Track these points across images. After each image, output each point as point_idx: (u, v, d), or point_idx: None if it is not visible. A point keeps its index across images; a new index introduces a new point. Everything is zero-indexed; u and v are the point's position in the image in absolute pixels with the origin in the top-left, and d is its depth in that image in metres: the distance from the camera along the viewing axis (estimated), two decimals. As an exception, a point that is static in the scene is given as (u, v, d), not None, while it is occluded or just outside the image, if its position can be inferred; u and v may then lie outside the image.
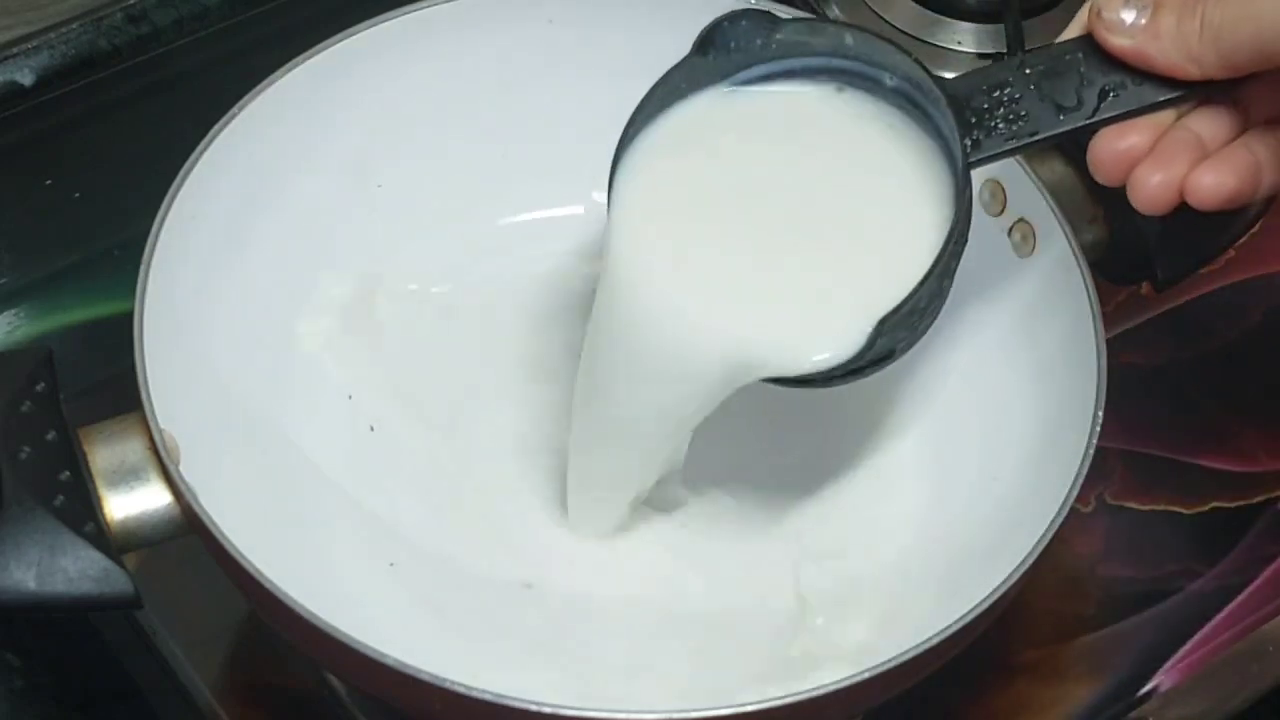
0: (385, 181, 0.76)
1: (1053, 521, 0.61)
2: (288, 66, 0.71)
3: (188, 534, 0.62)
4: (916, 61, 0.62)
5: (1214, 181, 0.59)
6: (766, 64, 0.64)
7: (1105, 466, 0.78)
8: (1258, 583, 0.76)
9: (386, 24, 0.73)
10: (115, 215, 0.84)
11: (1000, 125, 0.61)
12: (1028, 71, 0.61)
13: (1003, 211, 0.72)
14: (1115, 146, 0.60)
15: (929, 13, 0.91)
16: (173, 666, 0.71)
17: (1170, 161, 0.60)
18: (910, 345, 0.63)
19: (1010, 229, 0.72)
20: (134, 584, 0.59)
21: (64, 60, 0.86)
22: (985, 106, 0.61)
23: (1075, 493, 0.62)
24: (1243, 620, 0.74)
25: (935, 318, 0.63)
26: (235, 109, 0.70)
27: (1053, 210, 0.70)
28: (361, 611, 0.63)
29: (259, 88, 0.70)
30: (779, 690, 0.57)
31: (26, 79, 0.85)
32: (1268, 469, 0.79)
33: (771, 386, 0.63)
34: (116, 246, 0.82)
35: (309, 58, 0.72)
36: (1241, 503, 0.78)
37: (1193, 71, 0.59)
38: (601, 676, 0.66)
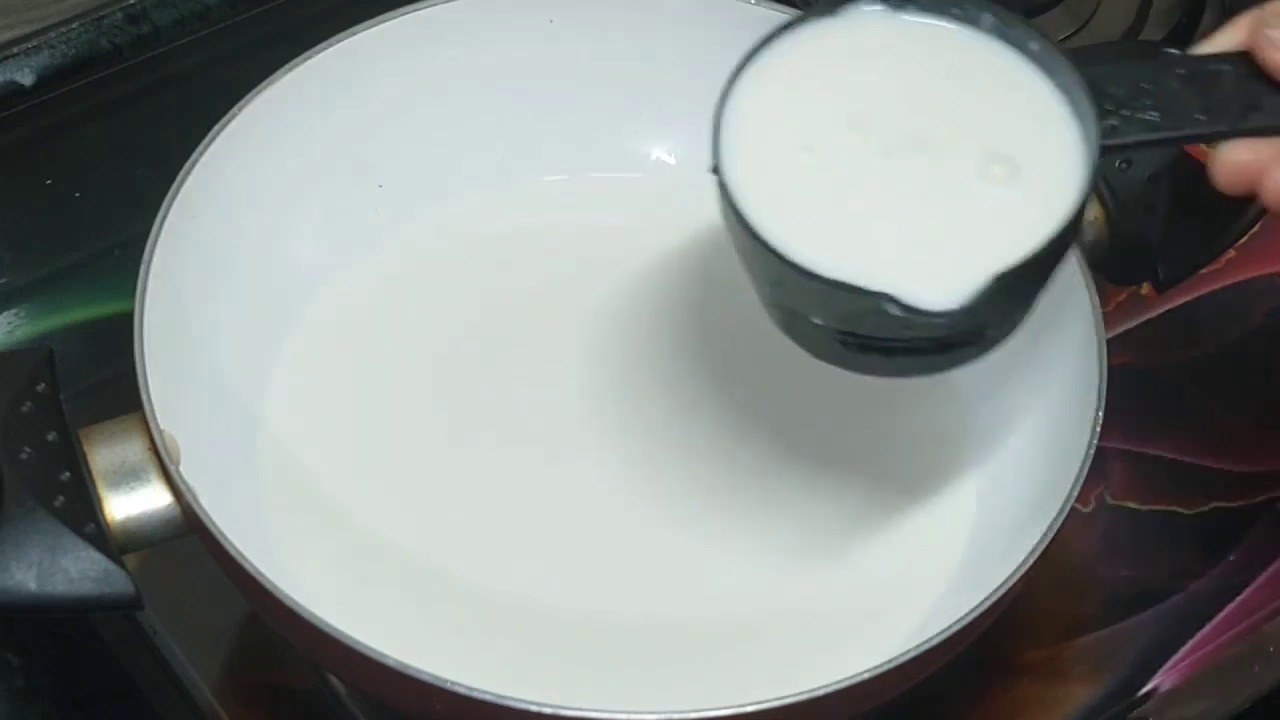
0: (385, 181, 0.76)
1: (1053, 521, 0.61)
2: (288, 66, 0.71)
3: (188, 534, 0.62)
4: (1052, 44, 0.60)
5: None
6: None
7: (1105, 466, 0.78)
8: (1258, 583, 0.76)
9: (386, 24, 0.73)
10: (115, 215, 0.84)
11: (1140, 115, 0.59)
12: (1178, 71, 0.60)
13: (1003, 211, 0.72)
14: (1238, 158, 0.59)
15: (929, 13, 0.91)
16: (173, 666, 0.71)
17: None
18: (999, 338, 0.61)
19: (1010, 229, 0.72)
20: (134, 584, 0.59)
21: (64, 60, 0.86)
22: (1125, 95, 0.59)
23: (1075, 493, 0.62)
24: (1243, 620, 0.74)
25: (1024, 316, 0.61)
26: (235, 109, 0.70)
27: (1053, 210, 0.69)
28: (362, 612, 0.63)
29: (259, 88, 0.70)
30: (779, 690, 0.57)
31: (26, 79, 0.85)
32: (1268, 469, 0.79)
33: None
34: (116, 246, 0.82)
35: (309, 58, 0.72)
36: (1242, 503, 0.78)
37: None
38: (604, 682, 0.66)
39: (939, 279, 0.58)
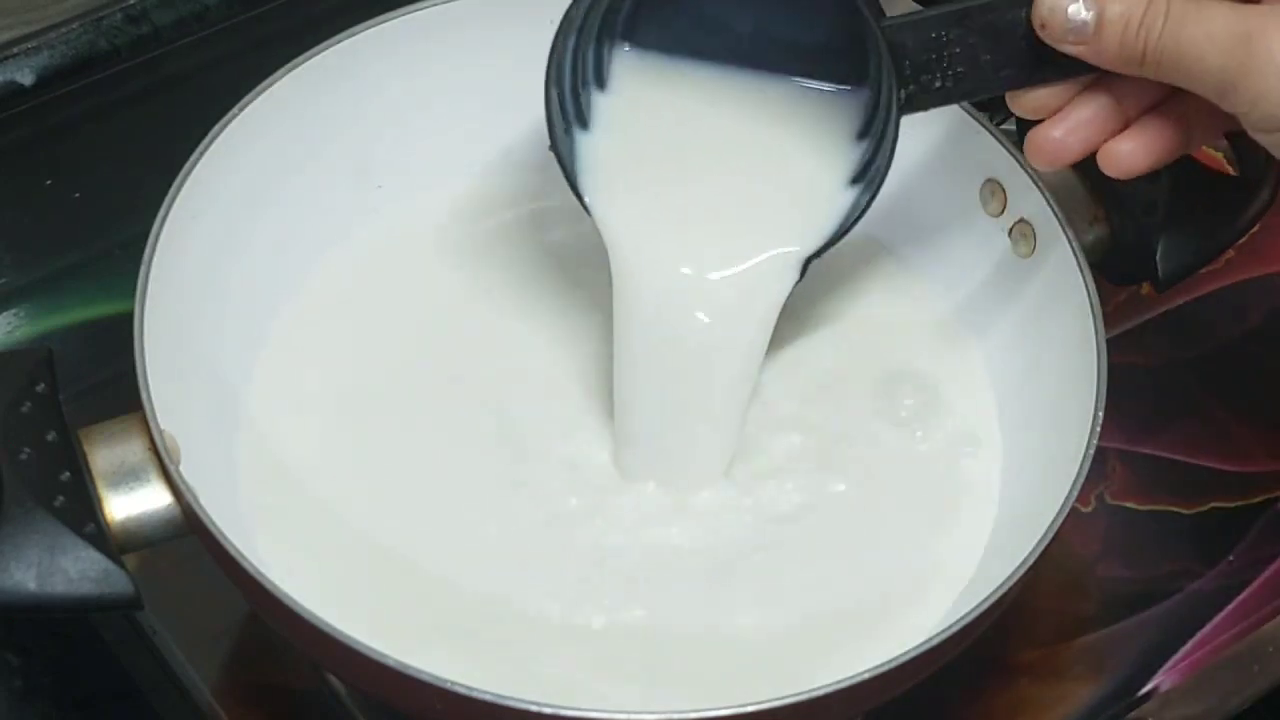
0: (385, 182, 0.76)
1: (1053, 521, 0.61)
2: (288, 66, 0.71)
3: (188, 534, 0.62)
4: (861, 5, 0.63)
5: (1129, 150, 0.62)
6: None
7: (1105, 466, 0.78)
8: (1258, 583, 0.76)
9: (386, 24, 0.73)
10: (115, 215, 0.84)
11: (938, 82, 0.62)
12: (969, 24, 0.61)
13: (1003, 212, 0.72)
14: (1036, 95, 0.62)
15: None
16: (173, 666, 0.71)
17: (1074, 126, 0.62)
18: None
19: (1010, 229, 0.72)
20: (134, 584, 0.59)
21: (64, 60, 0.86)
22: (925, 60, 0.62)
23: (1075, 493, 0.62)
24: (1243, 620, 0.74)
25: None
26: (235, 109, 0.70)
27: (1053, 210, 0.70)
28: (362, 612, 0.63)
29: (259, 88, 0.70)
30: (779, 690, 0.57)
31: (26, 79, 0.85)
32: (1268, 469, 0.79)
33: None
34: (116, 246, 0.82)
35: (309, 58, 0.72)
36: (1241, 503, 0.78)
37: (1134, 74, 0.60)
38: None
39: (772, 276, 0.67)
